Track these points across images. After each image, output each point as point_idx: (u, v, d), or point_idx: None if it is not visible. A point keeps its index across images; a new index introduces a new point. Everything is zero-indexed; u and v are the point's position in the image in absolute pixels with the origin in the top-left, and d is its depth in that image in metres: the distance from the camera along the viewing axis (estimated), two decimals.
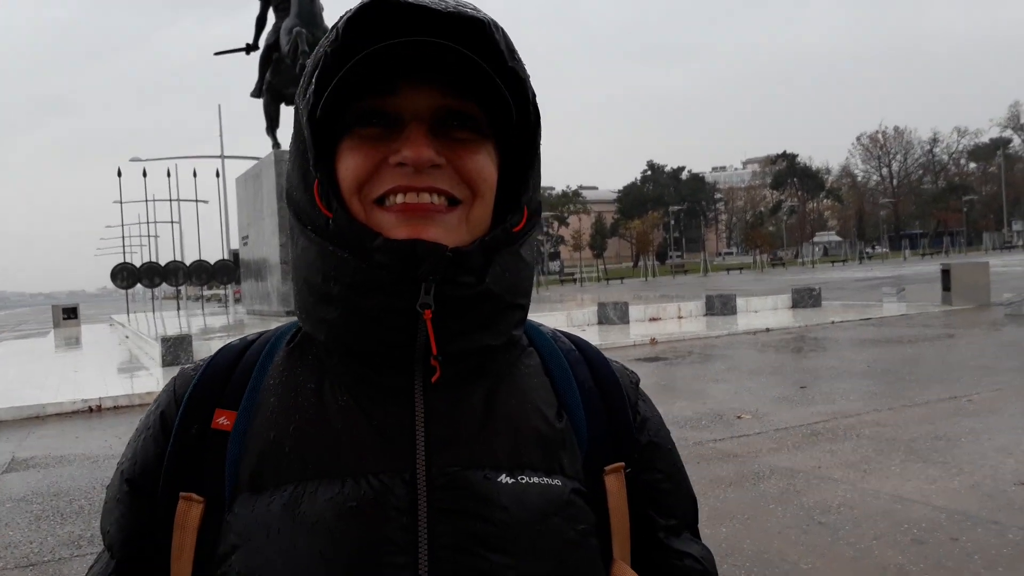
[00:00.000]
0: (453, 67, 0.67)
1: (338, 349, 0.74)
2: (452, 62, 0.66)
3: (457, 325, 0.71)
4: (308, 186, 0.71)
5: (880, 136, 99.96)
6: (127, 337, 21.61)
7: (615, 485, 0.78)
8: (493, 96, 0.69)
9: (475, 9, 0.67)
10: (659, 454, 0.84)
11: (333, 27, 0.67)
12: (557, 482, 0.73)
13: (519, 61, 0.69)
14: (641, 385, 0.88)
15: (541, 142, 0.74)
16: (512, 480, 0.70)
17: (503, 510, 0.69)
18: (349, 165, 0.70)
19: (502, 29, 0.68)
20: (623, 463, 0.79)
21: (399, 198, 0.69)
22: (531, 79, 0.71)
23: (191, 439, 0.75)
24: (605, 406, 0.81)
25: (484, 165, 0.72)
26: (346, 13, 0.66)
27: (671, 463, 0.85)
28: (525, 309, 0.78)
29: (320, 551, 0.66)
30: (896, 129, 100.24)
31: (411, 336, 0.70)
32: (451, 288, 0.69)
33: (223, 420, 0.75)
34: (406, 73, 0.68)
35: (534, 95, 0.71)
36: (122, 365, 15.19)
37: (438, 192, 0.69)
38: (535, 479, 0.71)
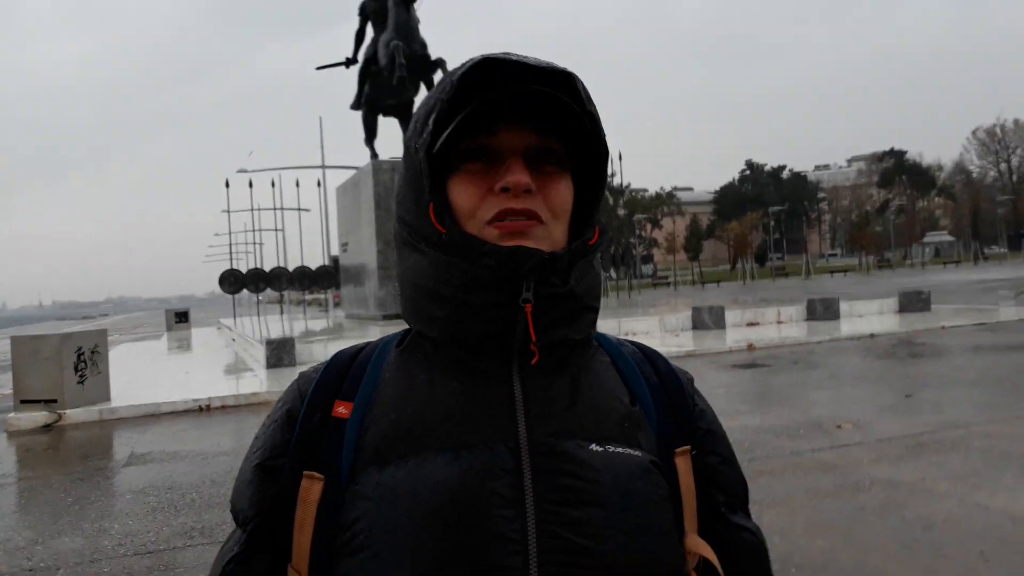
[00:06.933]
0: (540, 112, 0.83)
1: (446, 342, 0.87)
2: (539, 108, 0.82)
3: (549, 318, 0.84)
4: (422, 209, 0.84)
5: (998, 129, 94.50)
6: (234, 340, 22.64)
7: (684, 466, 0.90)
8: (572, 135, 0.85)
9: (562, 66, 0.83)
10: (717, 440, 0.97)
11: (447, 78, 0.82)
12: (637, 453, 0.85)
13: (594, 105, 0.84)
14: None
15: (608, 172, 0.85)
16: (601, 448, 0.82)
17: (595, 471, 0.80)
18: (463, 196, 0.84)
19: (581, 80, 0.83)
20: (689, 446, 0.92)
21: (503, 220, 0.83)
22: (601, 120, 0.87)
23: (314, 426, 0.88)
24: (669, 398, 0.94)
25: (564, 193, 0.87)
26: (460, 68, 0.81)
27: (727, 448, 0.98)
28: (597, 311, 0.92)
29: (439, 506, 0.77)
30: (1016, 122, 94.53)
31: (511, 328, 0.83)
32: (545, 287, 0.83)
33: (341, 409, 0.88)
34: (505, 117, 0.84)
35: (603, 134, 0.86)
36: (229, 367, 15.89)
37: (531, 215, 0.83)
38: (619, 449, 0.83)
